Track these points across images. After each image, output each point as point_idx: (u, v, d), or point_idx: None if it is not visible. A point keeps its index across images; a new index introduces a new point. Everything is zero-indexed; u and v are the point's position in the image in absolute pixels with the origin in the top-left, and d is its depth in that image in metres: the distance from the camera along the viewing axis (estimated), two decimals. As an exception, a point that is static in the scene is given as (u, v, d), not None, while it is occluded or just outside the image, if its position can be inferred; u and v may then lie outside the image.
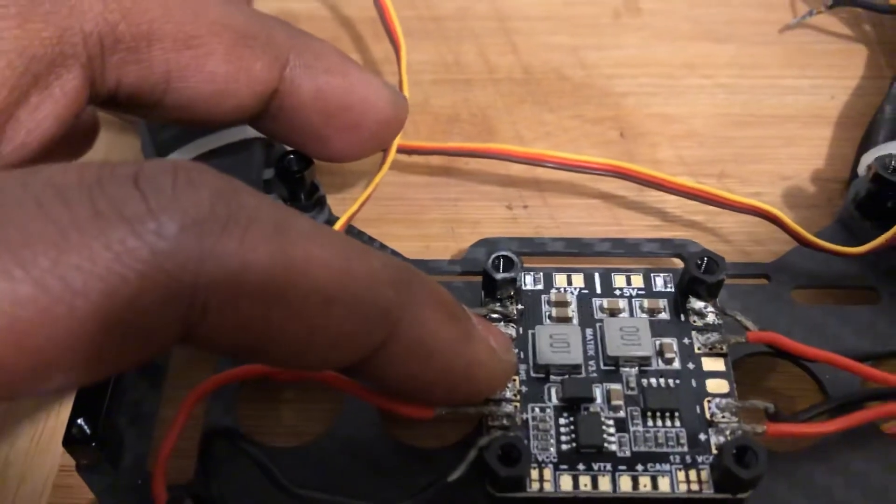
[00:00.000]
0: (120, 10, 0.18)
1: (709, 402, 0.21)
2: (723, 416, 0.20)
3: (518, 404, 0.21)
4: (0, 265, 0.12)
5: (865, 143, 0.27)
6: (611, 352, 0.21)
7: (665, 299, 0.22)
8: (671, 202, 0.28)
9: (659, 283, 0.23)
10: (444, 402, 0.19)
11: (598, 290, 0.23)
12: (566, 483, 0.19)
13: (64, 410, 0.24)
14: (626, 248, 0.25)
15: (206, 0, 0.20)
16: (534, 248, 0.25)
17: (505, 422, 0.20)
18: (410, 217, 0.28)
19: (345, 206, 0.27)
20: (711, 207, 0.26)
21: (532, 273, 0.23)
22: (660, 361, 0.21)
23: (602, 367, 0.21)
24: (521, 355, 0.21)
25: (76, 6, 0.17)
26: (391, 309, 0.16)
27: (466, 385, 0.18)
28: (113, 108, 0.20)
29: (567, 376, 0.21)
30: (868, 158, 0.25)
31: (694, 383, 0.21)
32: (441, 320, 0.17)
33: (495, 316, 0.22)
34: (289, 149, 0.25)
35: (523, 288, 0.23)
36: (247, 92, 0.20)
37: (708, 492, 0.19)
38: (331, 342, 0.15)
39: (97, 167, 0.13)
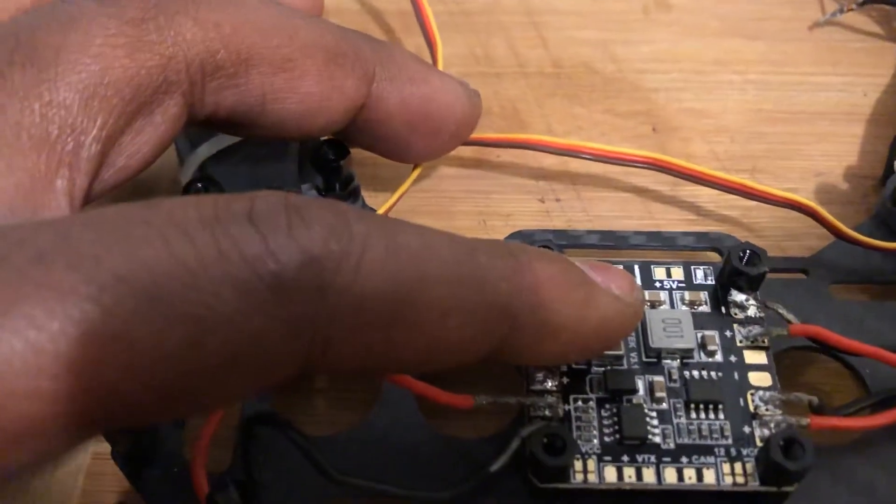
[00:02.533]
0: (220, 39, 0.18)
1: (752, 394, 0.20)
2: (766, 409, 0.20)
3: (559, 395, 0.20)
4: (133, 302, 0.12)
5: (901, 140, 0.27)
6: (654, 343, 0.21)
7: (705, 292, 0.22)
8: (704, 196, 0.27)
9: (699, 275, 0.23)
10: (579, 360, 0.21)
11: (639, 283, 0.22)
12: (610, 474, 0.19)
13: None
14: (661, 242, 0.25)
15: (297, 22, 0.20)
16: (568, 241, 0.25)
17: (547, 412, 0.20)
18: (442, 209, 0.28)
19: (377, 197, 0.27)
20: (745, 202, 0.25)
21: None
22: (702, 354, 0.21)
23: (644, 359, 0.21)
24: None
25: (180, 36, 0.18)
26: (508, 304, 0.16)
27: (599, 343, 0.18)
28: (206, 127, 0.20)
29: (609, 368, 0.21)
30: (906, 154, 0.25)
31: (736, 376, 0.21)
32: (560, 295, 0.16)
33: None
34: (324, 138, 0.25)
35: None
36: (338, 108, 0.21)
37: (753, 484, 0.19)
38: (453, 348, 0.15)
39: (212, 202, 0.13)
